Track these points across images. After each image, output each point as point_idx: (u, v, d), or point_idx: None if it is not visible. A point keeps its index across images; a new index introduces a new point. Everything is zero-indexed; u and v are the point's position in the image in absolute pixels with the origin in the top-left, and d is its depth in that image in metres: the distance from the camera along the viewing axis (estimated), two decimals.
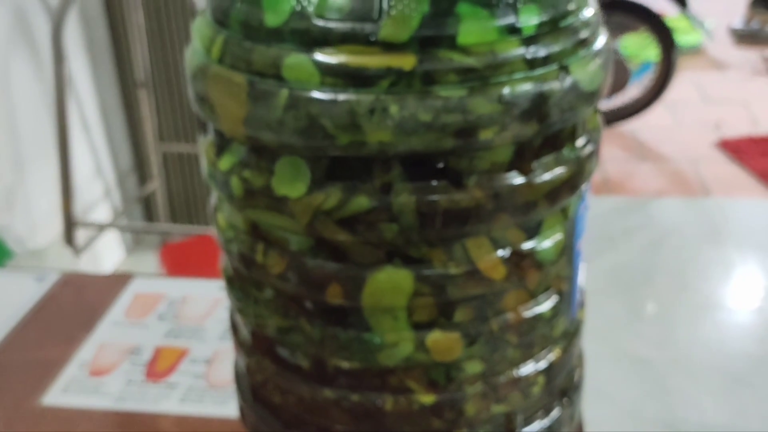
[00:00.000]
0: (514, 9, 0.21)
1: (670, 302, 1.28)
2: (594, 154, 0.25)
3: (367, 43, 0.20)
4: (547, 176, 0.22)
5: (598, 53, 0.23)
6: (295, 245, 0.23)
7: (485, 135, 0.21)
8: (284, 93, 0.21)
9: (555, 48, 0.21)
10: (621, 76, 1.83)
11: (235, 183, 0.23)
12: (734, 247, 1.43)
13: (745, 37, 2.54)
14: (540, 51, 0.21)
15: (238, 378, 0.30)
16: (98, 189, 1.42)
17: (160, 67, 1.40)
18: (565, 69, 0.22)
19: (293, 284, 0.24)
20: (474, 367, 0.24)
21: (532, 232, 0.23)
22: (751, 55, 2.42)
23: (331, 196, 0.22)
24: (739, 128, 1.94)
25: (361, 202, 0.21)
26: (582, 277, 0.27)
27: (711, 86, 2.22)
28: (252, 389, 0.28)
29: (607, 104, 1.92)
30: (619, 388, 1.08)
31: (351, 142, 0.21)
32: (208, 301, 0.43)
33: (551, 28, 0.21)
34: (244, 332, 0.27)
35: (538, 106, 0.21)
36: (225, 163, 0.24)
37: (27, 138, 1.21)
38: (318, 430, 0.26)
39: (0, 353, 0.40)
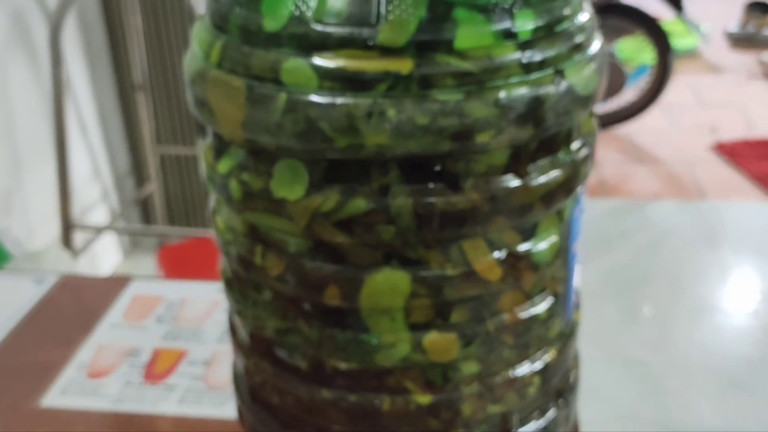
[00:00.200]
0: (510, 14, 0.21)
1: (666, 305, 1.28)
2: (589, 158, 0.25)
3: (365, 48, 0.20)
4: (542, 179, 0.23)
5: (593, 58, 0.23)
6: (293, 247, 0.24)
7: (482, 138, 0.21)
8: (283, 97, 0.21)
9: (550, 52, 0.22)
10: (617, 80, 1.84)
11: (233, 186, 0.24)
12: (730, 250, 1.44)
13: (741, 40, 2.55)
14: (536, 55, 0.21)
15: (237, 379, 0.30)
16: (96, 191, 1.42)
17: (158, 70, 1.40)
18: (560, 73, 0.22)
19: (291, 286, 0.24)
20: (470, 368, 0.24)
21: (528, 234, 0.24)
22: (746, 58, 2.43)
23: (329, 199, 0.22)
24: (735, 131, 1.95)
25: (359, 204, 0.22)
26: (577, 279, 0.27)
27: (707, 90, 2.22)
28: (250, 390, 0.28)
29: (603, 107, 1.92)
30: (615, 390, 1.09)
31: (349, 145, 0.21)
32: (206, 303, 0.43)
33: (547, 32, 0.22)
34: (243, 334, 0.28)
35: (533, 110, 0.21)
36: (224, 166, 0.24)
37: (25, 140, 1.21)
38: (316, 431, 0.26)
39: None
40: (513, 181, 0.22)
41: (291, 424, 0.27)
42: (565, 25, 0.22)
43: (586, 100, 0.23)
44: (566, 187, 0.24)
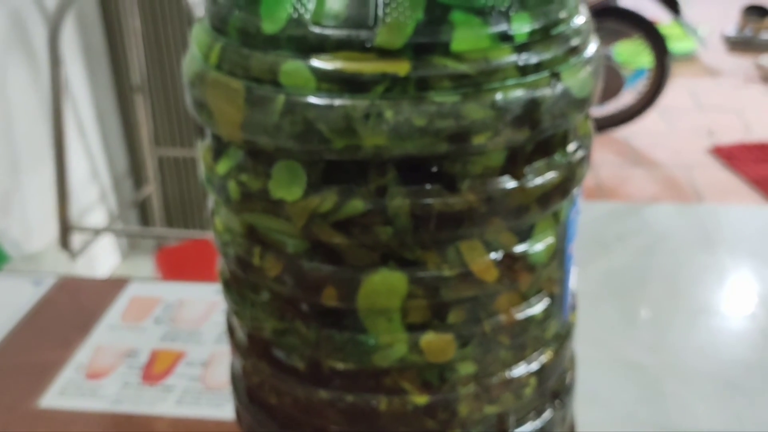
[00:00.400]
0: (506, 17, 0.21)
1: (663, 307, 1.29)
2: (585, 160, 0.25)
3: (363, 50, 0.21)
4: (538, 181, 0.23)
5: (588, 60, 0.23)
6: (291, 248, 0.24)
7: (478, 140, 0.21)
8: (281, 98, 0.21)
9: (546, 55, 0.22)
10: (615, 83, 1.84)
11: (232, 187, 0.24)
12: (727, 253, 1.44)
13: (738, 44, 2.55)
14: (532, 58, 0.22)
15: (234, 380, 0.30)
16: (94, 193, 1.42)
17: (156, 72, 1.40)
18: (556, 76, 0.22)
19: (289, 287, 0.24)
20: (467, 368, 0.24)
21: (524, 235, 0.24)
22: (744, 62, 2.43)
23: (326, 200, 0.22)
24: (732, 135, 1.96)
25: (357, 205, 0.22)
26: (573, 281, 0.27)
27: (704, 93, 2.23)
28: (248, 391, 0.28)
29: (601, 110, 1.93)
30: (612, 392, 1.09)
31: (347, 147, 0.21)
32: (204, 304, 0.43)
33: (543, 35, 0.22)
34: (241, 334, 0.28)
35: (530, 112, 0.22)
36: (222, 167, 0.24)
37: (23, 142, 1.21)
38: (313, 431, 0.26)
39: None
40: (509, 183, 0.22)
41: (288, 425, 0.27)
42: (561, 28, 0.23)
43: (582, 103, 0.23)
44: (562, 188, 0.24)
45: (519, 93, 0.21)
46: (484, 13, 0.21)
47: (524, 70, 0.21)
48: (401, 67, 0.20)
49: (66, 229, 1.24)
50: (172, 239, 1.38)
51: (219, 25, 0.23)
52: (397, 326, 0.23)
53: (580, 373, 0.30)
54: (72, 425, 0.36)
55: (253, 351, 0.27)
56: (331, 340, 0.24)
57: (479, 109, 0.21)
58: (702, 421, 1.04)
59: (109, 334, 0.42)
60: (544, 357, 0.26)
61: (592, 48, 0.24)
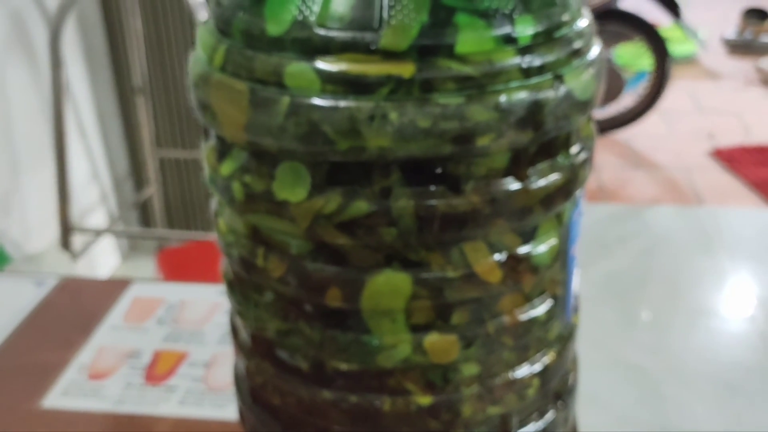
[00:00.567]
0: (510, 20, 0.21)
1: (663, 309, 1.29)
2: (588, 162, 0.25)
3: (368, 52, 0.21)
4: (542, 182, 0.23)
5: (591, 63, 0.23)
6: (295, 249, 0.24)
7: (482, 141, 0.21)
8: (286, 100, 0.21)
9: (550, 58, 0.22)
10: (615, 85, 1.84)
11: (236, 188, 0.24)
12: (727, 256, 1.44)
13: (738, 47, 2.56)
14: (535, 60, 0.22)
15: (238, 380, 0.30)
16: (95, 194, 1.42)
17: (158, 74, 1.40)
18: (559, 78, 0.22)
19: (293, 287, 0.24)
20: (470, 369, 0.25)
21: (528, 236, 0.24)
22: (744, 65, 2.44)
23: (331, 201, 0.22)
24: (733, 137, 1.96)
25: (361, 206, 0.22)
26: (576, 282, 0.28)
27: (704, 96, 2.23)
28: (251, 391, 0.28)
29: (602, 113, 1.93)
30: (611, 394, 1.09)
31: (351, 148, 0.21)
32: (206, 305, 0.44)
33: (546, 38, 0.22)
34: (244, 335, 0.28)
35: (533, 114, 0.22)
36: (226, 168, 0.24)
37: (24, 143, 1.21)
38: None
39: (0, 356, 0.41)
40: (513, 184, 0.22)
41: (292, 425, 0.27)
42: (564, 31, 0.23)
43: (585, 105, 0.23)
44: (565, 190, 0.24)
45: (522, 95, 0.21)
46: (488, 16, 0.21)
47: (528, 73, 0.22)
48: (406, 69, 0.21)
49: (67, 230, 1.24)
50: (172, 240, 1.38)
51: (223, 27, 0.23)
52: (401, 327, 0.24)
53: (579, 374, 0.30)
54: (75, 425, 0.36)
55: (257, 351, 0.27)
56: (335, 341, 0.24)
57: (483, 110, 0.21)
58: (701, 422, 1.04)
59: (112, 335, 0.42)
60: (547, 358, 0.26)
61: (594, 50, 0.24)
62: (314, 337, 0.25)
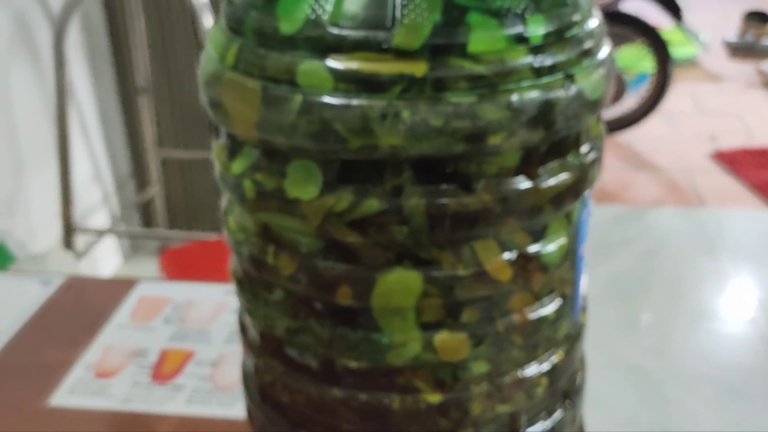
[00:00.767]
0: (522, 19, 0.21)
1: (665, 311, 1.29)
2: (597, 161, 0.25)
3: (380, 51, 0.21)
4: (552, 181, 0.23)
5: (601, 63, 0.24)
6: (306, 247, 0.24)
7: (494, 140, 0.21)
8: (298, 98, 0.21)
9: (561, 57, 0.22)
10: (617, 88, 1.84)
11: (247, 185, 0.24)
12: (729, 258, 1.44)
13: (740, 49, 2.56)
14: (546, 60, 0.22)
15: (246, 379, 0.30)
16: (97, 195, 1.42)
17: (161, 74, 1.40)
18: (570, 78, 0.22)
19: (304, 285, 0.24)
20: (480, 368, 0.25)
21: (538, 235, 0.24)
22: (745, 67, 2.44)
23: (342, 199, 0.22)
24: (734, 140, 1.96)
25: (372, 204, 0.22)
26: (584, 282, 0.28)
27: (706, 98, 2.24)
28: (260, 389, 0.29)
29: (603, 114, 1.93)
30: (614, 395, 1.09)
31: (363, 146, 0.21)
32: (213, 304, 0.44)
33: (557, 38, 0.22)
34: (253, 333, 0.28)
35: (544, 113, 0.22)
36: (237, 166, 0.24)
37: (27, 143, 1.21)
38: (325, 430, 0.27)
39: (6, 355, 0.41)
40: (524, 183, 0.22)
41: (301, 424, 0.27)
42: (575, 31, 0.23)
43: (595, 105, 0.24)
44: (575, 189, 0.24)
45: (534, 94, 0.21)
46: (500, 15, 0.21)
47: (539, 72, 0.22)
48: (418, 68, 0.21)
49: (70, 230, 1.24)
50: (174, 241, 1.38)
51: (235, 26, 0.23)
52: (412, 325, 0.24)
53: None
54: (81, 424, 0.36)
55: (266, 349, 0.27)
56: (345, 339, 0.24)
57: (495, 109, 0.21)
58: (703, 424, 1.04)
59: (118, 334, 0.42)
60: (556, 357, 0.26)
61: (604, 51, 0.24)
62: (324, 335, 0.25)
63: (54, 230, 1.26)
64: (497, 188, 0.22)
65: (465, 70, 0.21)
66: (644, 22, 1.86)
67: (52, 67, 1.18)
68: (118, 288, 0.46)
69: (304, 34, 0.21)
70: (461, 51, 0.21)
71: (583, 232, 0.26)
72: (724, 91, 2.28)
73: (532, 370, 0.26)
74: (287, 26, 0.22)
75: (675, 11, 1.93)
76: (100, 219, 1.42)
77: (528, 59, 0.21)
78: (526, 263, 0.24)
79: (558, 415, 0.28)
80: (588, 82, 0.23)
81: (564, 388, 0.28)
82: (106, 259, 1.45)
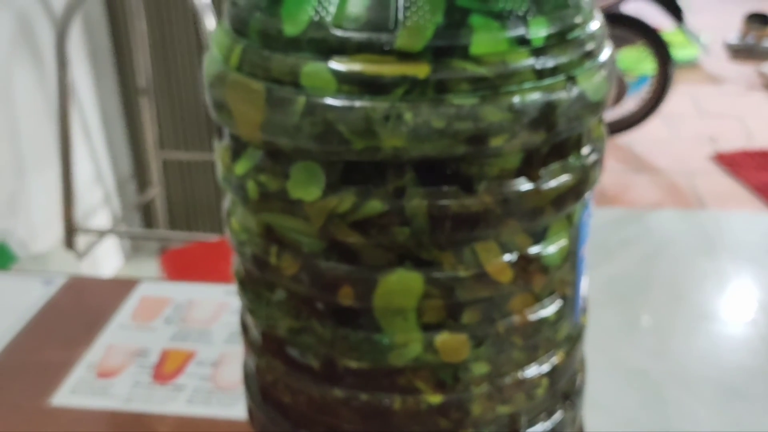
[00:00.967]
0: (524, 21, 0.21)
1: (665, 313, 1.29)
2: (598, 163, 0.25)
3: (383, 52, 0.21)
4: (553, 183, 0.23)
5: (603, 65, 0.24)
6: (308, 248, 0.24)
7: (496, 142, 0.21)
8: (302, 100, 0.22)
9: (563, 59, 0.22)
10: (618, 89, 1.84)
11: (250, 186, 0.24)
12: (729, 260, 1.44)
13: (741, 51, 2.56)
14: (548, 62, 0.22)
15: (248, 379, 0.30)
16: (98, 195, 1.42)
17: (162, 75, 1.41)
18: (572, 80, 0.22)
19: (306, 286, 0.24)
20: (481, 368, 0.25)
21: (539, 237, 0.24)
22: (746, 69, 2.44)
23: (345, 200, 0.22)
24: (734, 142, 1.96)
25: (375, 205, 0.22)
26: (585, 283, 0.28)
27: (706, 100, 2.24)
28: (261, 390, 0.29)
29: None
30: (614, 397, 1.09)
31: (366, 147, 0.21)
32: (214, 305, 0.44)
33: (559, 40, 0.22)
34: (255, 333, 0.28)
35: (546, 115, 0.22)
36: (240, 167, 0.25)
37: (29, 144, 1.21)
38: (327, 430, 0.27)
39: (8, 355, 0.41)
40: (525, 185, 0.23)
41: (302, 424, 0.27)
42: (576, 33, 0.23)
43: (596, 106, 0.24)
44: (576, 191, 0.24)
45: (536, 96, 0.22)
46: (502, 17, 0.21)
47: (541, 74, 0.22)
48: (421, 70, 0.21)
49: (71, 230, 1.24)
50: (175, 242, 1.38)
51: (239, 28, 0.24)
52: (413, 326, 0.24)
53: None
54: (83, 423, 0.36)
55: (268, 349, 0.27)
56: (347, 339, 0.25)
57: (497, 111, 0.21)
58: (703, 426, 1.04)
59: (120, 334, 0.42)
60: (556, 358, 0.27)
61: (606, 53, 0.24)
62: (326, 336, 0.25)
63: (55, 230, 1.26)
64: (499, 190, 0.22)
65: (467, 72, 0.21)
66: (645, 24, 1.86)
67: (54, 67, 1.19)
68: (119, 288, 0.46)
69: (308, 35, 0.22)
70: (463, 53, 0.21)
71: (583, 233, 0.26)
72: (724, 93, 2.28)
73: (533, 371, 0.26)
74: (291, 28, 0.22)
75: (676, 13, 1.93)
76: (101, 219, 1.42)
77: (530, 61, 0.22)
78: (526, 264, 0.24)
79: (558, 415, 0.28)
80: (590, 83, 0.23)
81: (564, 389, 0.28)
82: (107, 260, 1.45)
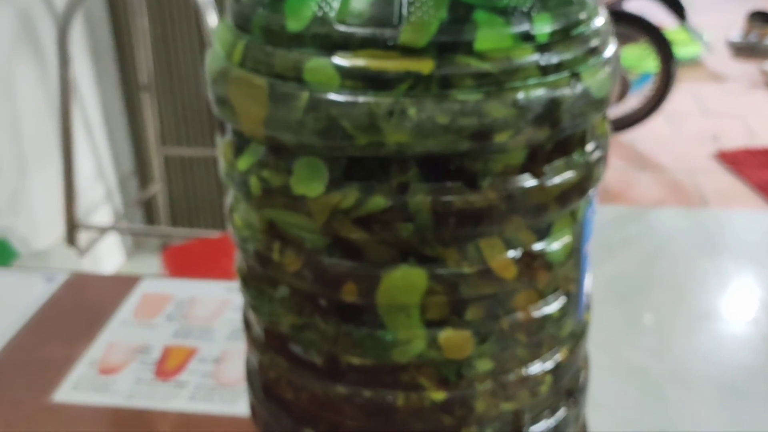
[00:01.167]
0: (528, 17, 0.21)
1: (667, 312, 1.29)
2: (602, 160, 0.25)
3: (387, 48, 0.21)
4: (557, 180, 0.23)
5: (607, 61, 0.24)
6: (311, 244, 0.24)
7: (500, 138, 0.21)
8: (305, 95, 0.22)
9: (567, 55, 0.22)
10: (620, 87, 1.84)
11: (253, 182, 0.24)
12: (731, 258, 1.44)
13: (743, 49, 2.56)
14: (553, 58, 0.22)
15: (250, 375, 0.30)
16: (100, 192, 1.42)
17: (164, 71, 1.40)
18: (576, 76, 0.22)
19: (309, 282, 0.24)
20: (484, 365, 0.25)
21: (543, 233, 0.24)
22: (748, 67, 2.43)
23: (348, 196, 0.22)
24: (737, 140, 1.96)
25: (378, 201, 0.22)
26: (589, 280, 0.28)
27: (709, 98, 2.23)
28: (264, 386, 0.29)
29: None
30: (615, 396, 1.09)
31: (369, 143, 0.21)
32: (216, 301, 0.44)
33: (563, 36, 0.22)
34: (257, 330, 0.28)
35: (550, 111, 0.22)
36: (243, 163, 0.25)
37: (31, 140, 1.21)
38: (329, 427, 0.27)
39: (10, 351, 0.41)
40: (529, 181, 0.23)
41: (305, 420, 0.27)
42: (581, 29, 0.23)
43: (601, 103, 0.24)
44: (580, 187, 0.24)
45: (540, 92, 0.21)
46: (506, 13, 0.21)
47: (545, 70, 0.22)
48: (425, 66, 0.21)
49: (72, 227, 1.24)
50: (177, 238, 1.38)
51: (242, 23, 0.23)
52: (416, 322, 0.24)
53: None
54: (85, 420, 0.36)
55: (271, 346, 0.27)
56: (350, 336, 0.25)
57: (501, 107, 0.21)
58: (704, 425, 1.04)
59: (122, 330, 0.42)
60: (560, 355, 0.26)
61: (610, 49, 0.24)
62: (329, 332, 0.25)
63: (57, 227, 1.26)
64: (503, 186, 0.22)
65: (471, 68, 0.21)
66: (648, 22, 1.86)
67: (56, 64, 1.18)
68: (121, 285, 0.46)
69: (311, 31, 0.21)
70: (468, 48, 0.21)
71: (587, 230, 0.26)
72: (727, 91, 2.27)
73: (536, 368, 0.26)
74: (294, 23, 0.22)
75: (679, 11, 1.93)
76: (102, 216, 1.42)
77: (534, 57, 0.21)
78: (530, 261, 0.24)
79: (561, 413, 0.28)
80: (594, 80, 0.23)
81: (568, 387, 0.28)
82: (108, 256, 1.45)
